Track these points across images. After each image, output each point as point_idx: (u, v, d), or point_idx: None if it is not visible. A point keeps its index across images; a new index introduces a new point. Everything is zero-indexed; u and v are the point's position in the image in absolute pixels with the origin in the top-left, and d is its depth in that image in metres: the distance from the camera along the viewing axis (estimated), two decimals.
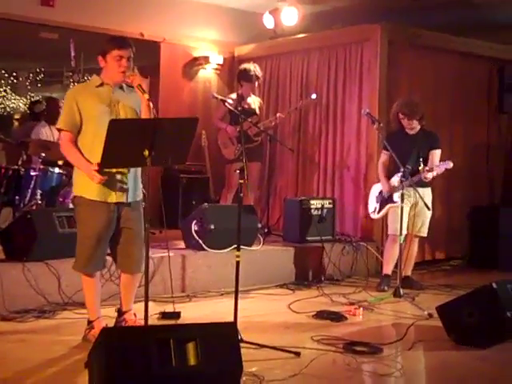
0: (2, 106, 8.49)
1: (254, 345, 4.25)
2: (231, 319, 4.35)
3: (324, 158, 7.84)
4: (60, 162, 7.02)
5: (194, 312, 5.28)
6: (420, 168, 5.96)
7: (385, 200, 6.28)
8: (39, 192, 6.48)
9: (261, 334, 4.58)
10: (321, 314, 5.19)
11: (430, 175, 5.97)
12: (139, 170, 4.33)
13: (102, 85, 4.25)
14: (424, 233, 6.31)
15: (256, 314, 5.28)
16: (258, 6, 8.57)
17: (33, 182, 6.55)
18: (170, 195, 7.99)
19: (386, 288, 6.16)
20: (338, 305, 5.59)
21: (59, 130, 4.30)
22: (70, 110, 4.20)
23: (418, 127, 6.24)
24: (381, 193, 6.34)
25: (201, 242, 6.10)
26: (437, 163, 6.08)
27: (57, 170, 6.89)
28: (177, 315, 5.01)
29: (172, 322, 4.89)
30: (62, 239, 5.39)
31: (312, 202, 7.00)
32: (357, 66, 7.49)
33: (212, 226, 6.07)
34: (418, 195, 5.95)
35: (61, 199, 6.53)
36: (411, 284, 6.26)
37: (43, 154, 6.63)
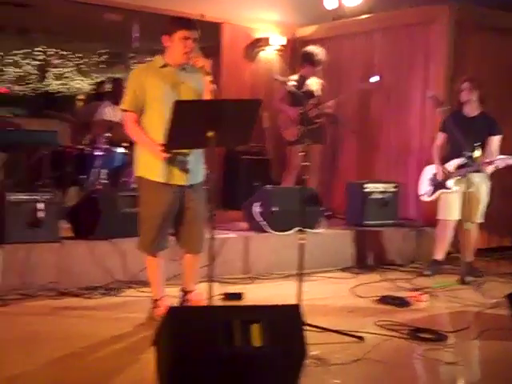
0: (67, 86, 8.64)
1: (317, 328, 4.22)
2: (294, 302, 4.33)
3: (387, 142, 7.73)
4: (125, 144, 7.11)
5: (256, 294, 5.29)
6: (477, 155, 5.77)
7: (438, 184, 6.12)
8: (104, 171, 6.57)
9: (323, 318, 4.56)
10: (384, 299, 5.13)
11: (490, 169, 5.81)
12: (201, 151, 4.33)
13: (165, 66, 4.25)
14: (478, 219, 6.08)
15: (319, 297, 5.25)
16: None
17: (98, 162, 6.65)
18: (232, 176, 8.02)
19: (429, 273, 6.09)
20: (401, 290, 5.52)
21: (123, 111, 4.33)
22: (133, 91, 4.22)
23: (478, 111, 6.05)
24: (435, 176, 6.18)
25: (263, 223, 6.10)
26: (496, 152, 5.87)
27: (121, 149, 6.98)
28: (239, 296, 5.03)
29: (235, 302, 4.91)
30: (125, 218, 5.47)
31: (375, 185, 6.91)
32: (422, 47, 7.33)
33: (274, 208, 6.06)
34: (472, 181, 5.77)
35: (125, 179, 6.60)
36: (470, 271, 6.09)
37: (107, 134, 6.71)
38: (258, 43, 8.78)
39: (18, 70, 7.90)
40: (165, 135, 3.88)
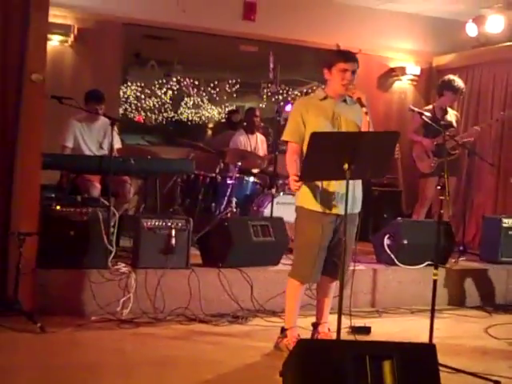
0: (199, 114, 8.90)
1: (450, 369, 4.04)
2: (422, 338, 4.18)
3: None
4: (255, 171, 7.20)
5: (384, 328, 5.16)
6: None
7: None
8: (234, 200, 6.66)
9: (456, 358, 4.35)
10: None
11: None
12: (359, 182, 4.30)
13: (325, 98, 4.30)
14: None
15: (450, 336, 5.04)
16: (458, 13, 8.26)
17: (229, 190, 6.76)
18: (362, 207, 7.90)
19: None
20: None
21: (285, 142, 4.39)
22: (295, 122, 4.30)
23: None
24: None
25: (393, 256, 5.96)
26: None
27: (252, 178, 7.07)
28: (367, 330, 4.91)
29: (362, 336, 4.79)
30: (255, 247, 5.52)
31: None
32: None
33: (405, 241, 5.90)
34: None
35: (255, 208, 6.65)
36: None
37: (240, 163, 6.82)
38: (393, 73, 8.69)
39: (154, 99, 8.22)
40: (301, 166, 3.89)
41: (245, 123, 7.79)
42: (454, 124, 7.09)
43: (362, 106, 4.10)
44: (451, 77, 7.10)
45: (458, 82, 6.96)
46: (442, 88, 7.09)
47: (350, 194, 4.11)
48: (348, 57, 4.25)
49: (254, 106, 8.29)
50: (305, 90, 8.81)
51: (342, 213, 4.13)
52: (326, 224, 4.24)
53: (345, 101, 4.31)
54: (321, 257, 4.28)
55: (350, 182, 4.07)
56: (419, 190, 7.24)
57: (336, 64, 4.21)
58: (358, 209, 4.36)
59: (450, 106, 7.14)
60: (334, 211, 4.22)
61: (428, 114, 6.83)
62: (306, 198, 4.27)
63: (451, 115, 7.13)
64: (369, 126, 4.09)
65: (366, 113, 4.09)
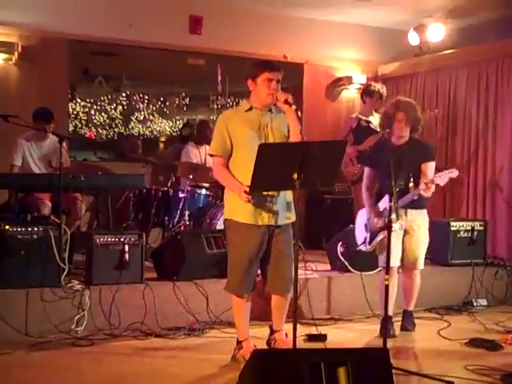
0: (150, 129, 8.91)
1: (404, 371, 4.10)
2: (378, 343, 4.23)
3: (474, 179, 7.56)
4: (206, 184, 7.21)
5: (340, 335, 5.21)
6: (410, 186, 4.92)
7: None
8: (187, 213, 6.66)
9: (410, 361, 4.43)
10: (474, 342, 4.93)
11: (431, 190, 4.83)
12: (289, 192, 4.33)
13: (250, 109, 4.31)
14: (418, 265, 5.31)
15: (404, 339, 5.13)
16: (401, 23, 8.43)
17: (181, 204, 6.76)
18: (314, 216, 7.99)
19: (391, 332, 5.13)
20: (492, 332, 5.29)
21: (211, 156, 4.40)
22: (220, 136, 4.29)
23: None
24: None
25: (346, 263, 6.03)
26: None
27: (204, 191, 7.08)
28: (323, 337, 4.96)
29: (318, 344, 4.83)
30: (209, 260, 5.53)
31: (461, 223, 6.72)
32: (511, 81, 7.17)
33: (358, 248, 5.97)
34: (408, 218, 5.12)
35: (208, 220, 6.66)
36: (407, 321, 5.38)
37: (191, 176, 6.82)
38: (340, 82, 8.80)
39: (104, 115, 8.18)
40: (251, 178, 3.91)
41: (196, 136, 7.80)
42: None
43: (290, 104, 4.12)
44: (370, 83, 7.29)
45: (375, 86, 7.05)
46: (362, 96, 7.21)
47: (281, 204, 4.20)
48: (272, 67, 4.25)
49: (206, 119, 8.32)
50: None
51: (273, 223, 4.22)
52: (256, 236, 4.23)
53: (270, 110, 4.31)
54: (253, 269, 4.28)
55: (282, 192, 4.15)
56: (355, 198, 7.22)
57: (261, 74, 4.21)
58: (291, 219, 4.36)
59: (375, 111, 7.14)
60: (266, 222, 4.22)
61: (374, 122, 6.94)
62: (235, 210, 4.26)
63: (377, 120, 7.18)
64: (297, 122, 4.12)
65: (297, 109, 4.12)
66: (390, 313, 5.18)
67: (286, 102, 4.14)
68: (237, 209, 4.23)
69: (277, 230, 4.28)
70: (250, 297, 4.42)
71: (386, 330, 4.46)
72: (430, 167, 5.14)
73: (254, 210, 4.19)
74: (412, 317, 5.44)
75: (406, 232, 5.19)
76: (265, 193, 4.17)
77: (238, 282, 4.29)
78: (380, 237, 5.13)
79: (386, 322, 4.38)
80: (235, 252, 4.31)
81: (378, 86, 7.08)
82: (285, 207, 4.30)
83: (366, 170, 5.45)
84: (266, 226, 4.24)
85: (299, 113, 4.15)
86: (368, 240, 5.32)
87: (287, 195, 4.30)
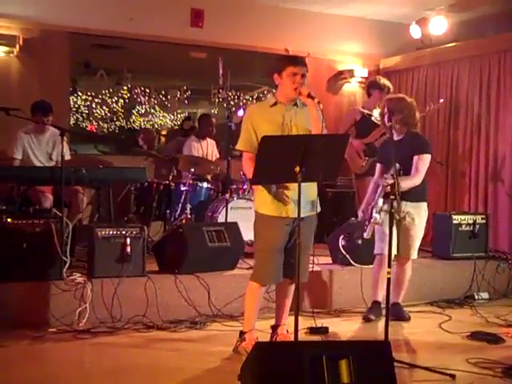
0: (151, 122, 8.91)
1: (406, 364, 4.12)
2: (379, 336, 4.24)
3: (476, 172, 7.57)
4: (208, 177, 7.22)
5: (341, 328, 5.21)
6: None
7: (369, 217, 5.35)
8: (189, 206, 6.66)
9: (412, 354, 4.44)
10: (476, 335, 4.94)
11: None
12: (313, 184, 4.34)
13: (275, 104, 4.34)
14: (411, 255, 5.42)
15: (406, 332, 5.14)
16: (403, 16, 8.42)
17: (183, 197, 6.76)
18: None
19: (372, 317, 5.37)
20: (493, 326, 5.30)
21: (240, 151, 4.44)
22: (246, 131, 4.36)
23: None
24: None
25: (348, 256, 6.03)
26: None
27: (205, 184, 7.08)
28: (325, 330, 4.96)
29: (320, 337, 4.84)
30: (211, 253, 5.53)
31: (463, 217, 6.72)
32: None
33: (360, 241, 5.97)
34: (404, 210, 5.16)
35: (209, 213, 6.66)
36: (398, 312, 5.45)
37: (193, 170, 6.82)
38: (342, 75, 8.79)
39: (106, 108, 8.18)
40: (253, 170, 3.94)
41: (198, 129, 7.80)
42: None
43: (313, 98, 4.17)
44: (377, 77, 7.26)
45: (384, 81, 7.03)
46: (369, 88, 7.17)
47: (304, 196, 4.18)
48: (297, 61, 4.31)
49: (208, 113, 8.31)
50: (255, 95, 8.87)
51: (296, 215, 4.20)
52: (280, 227, 4.28)
53: (295, 105, 4.35)
54: (278, 259, 4.32)
55: (304, 184, 4.14)
56: (356, 191, 7.27)
57: (286, 68, 4.26)
58: (314, 211, 4.40)
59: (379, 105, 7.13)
60: (289, 214, 4.26)
61: (375, 113, 6.91)
62: (260, 202, 4.34)
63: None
64: (317, 111, 4.17)
65: (319, 102, 4.17)
66: (380, 299, 5.39)
67: (309, 95, 4.19)
68: (263, 202, 4.31)
69: (301, 222, 4.27)
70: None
71: (387, 322, 4.45)
72: (421, 160, 5.24)
73: (278, 203, 4.24)
74: (402, 308, 5.49)
75: (399, 222, 5.17)
76: (290, 186, 4.17)
77: (267, 272, 4.33)
78: (369, 227, 5.22)
79: (387, 312, 4.36)
80: (262, 242, 4.36)
81: (387, 82, 7.06)
82: (309, 200, 4.32)
83: (378, 165, 5.60)
84: (290, 218, 4.27)
85: (321, 105, 4.19)
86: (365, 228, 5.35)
87: (309, 188, 4.28)
